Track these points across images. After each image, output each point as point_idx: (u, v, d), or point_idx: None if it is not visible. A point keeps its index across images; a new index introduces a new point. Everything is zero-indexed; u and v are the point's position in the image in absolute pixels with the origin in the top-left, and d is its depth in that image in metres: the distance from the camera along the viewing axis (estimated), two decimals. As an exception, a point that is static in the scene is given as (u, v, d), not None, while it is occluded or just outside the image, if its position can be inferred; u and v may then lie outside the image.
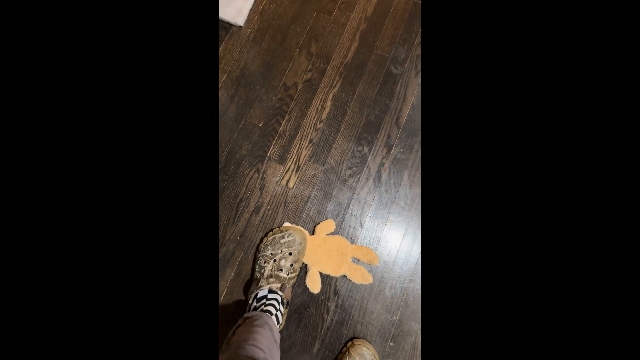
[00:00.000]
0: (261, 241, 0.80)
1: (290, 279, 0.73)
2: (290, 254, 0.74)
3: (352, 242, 0.82)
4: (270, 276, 0.72)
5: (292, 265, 0.74)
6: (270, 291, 0.70)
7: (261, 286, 0.70)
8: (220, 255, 0.81)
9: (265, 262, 0.74)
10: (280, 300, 0.70)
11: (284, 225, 0.80)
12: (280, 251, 0.75)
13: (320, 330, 0.77)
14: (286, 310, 0.72)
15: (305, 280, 0.78)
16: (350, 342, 0.75)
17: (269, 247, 0.76)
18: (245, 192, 0.85)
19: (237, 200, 0.84)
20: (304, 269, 0.79)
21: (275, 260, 0.74)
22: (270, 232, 0.79)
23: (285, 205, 0.85)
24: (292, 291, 0.76)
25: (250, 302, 0.70)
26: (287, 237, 0.76)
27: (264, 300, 0.69)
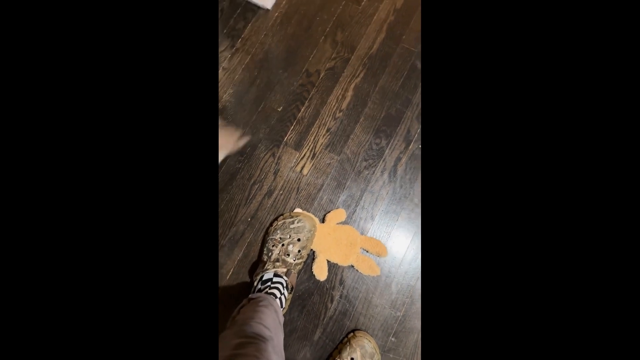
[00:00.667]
0: (271, 224, 0.80)
1: (296, 264, 0.73)
2: (298, 239, 0.74)
3: (362, 233, 0.81)
4: (277, 260, 0.72)
5: (299, 251, 0.74)
6: (276, 275, 0.70)
7: (267, 269, 0.70)
8: (230, 235, 0.81)
9: (273, 246, 0.74)
10: (284, 285, 0.70)
11: (295, 211, 0.80)
12: (289, 236, 0.74)
13: (323, 319, 0.77)
14: (290, 295, 0.71)
15: (312, 266, 0.77)
16: (351, 333, 0.75)
17: (279, 231, 0.76)
18: (259, 175, 0.85)
19: (251, 183, 0.85)
20: (312, 256, 0.79)
21: (283, 245, 0.73)
22: (281, 217, 0.79)
23: (298, 191, 0.84)
24: (297, 277, 0.76)
25: (255, 284, 0.70)
26: (297, 222, 0.76)
27: (269, 283, 0.69)
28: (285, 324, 0.76)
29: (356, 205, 0.84)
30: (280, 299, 0.67)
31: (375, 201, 0.84)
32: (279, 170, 0.86)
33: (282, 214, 0.81)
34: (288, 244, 0.73)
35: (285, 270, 0.71)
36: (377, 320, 0.77)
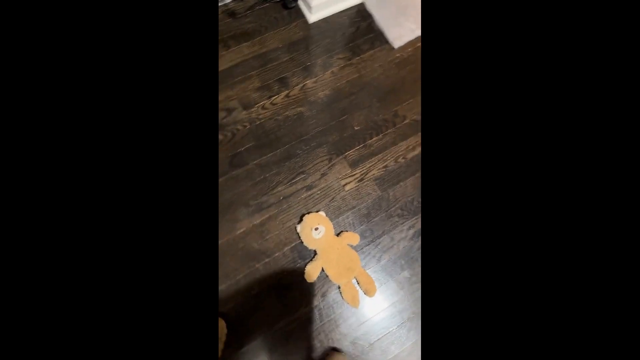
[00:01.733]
0: None
1: None
2: None
3: (363, 267, 0.86)
4: None
5: None
6: None
7: None
8: (259, 201, 0.89)
9: None
10: None
11: None
12: None
13: (292, 315, 0.81)
14: None
15: (307, 265, 0.82)
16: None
17: None
18: (310, 168, 0.93)
19: (300, 171, 0.93)
20: (312, 257, 0.84)
21: None
22: None
23: (331, 200, 0.91)
24: None
25: None
26: None
27: None
28: (259, 295, 0.81)
29: (372, 241, 0.88)
30: None
31: (390, 247, 0.88)
32: (327, 174, 0.93)
33: None
34: None
35: None
36: (335, 344, 0.80)
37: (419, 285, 0.86)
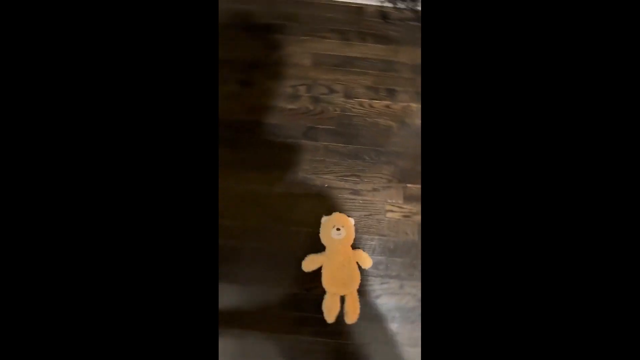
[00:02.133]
0: None
1: None
2: None
3: (358, 292, 0.81)
4: None
5: None
6: None
7: None
8: (306, 176, 0.91)
9: None
10: None
11: None
12: None
13: (268, 286, 0.80)
14: None
15: (311, 254, 0.81)
16: None
17: None
18: (366, 177, 0.92)
19: (356, 173, 0.92)
20: (319, 250, 0.82)
21: None
22: None
23: (368, 216, 0.88)
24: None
25: None
26: None
27: None
28: (250, 254, 0.82)
29: (381, 276, 0.83)
30: None
31: (394, 294, 0.82)
32: (378, 191, 0.90)
33: None
34: None
35: None
36: (295, 345, 0.77)
37: (399, 348, 0.77)
